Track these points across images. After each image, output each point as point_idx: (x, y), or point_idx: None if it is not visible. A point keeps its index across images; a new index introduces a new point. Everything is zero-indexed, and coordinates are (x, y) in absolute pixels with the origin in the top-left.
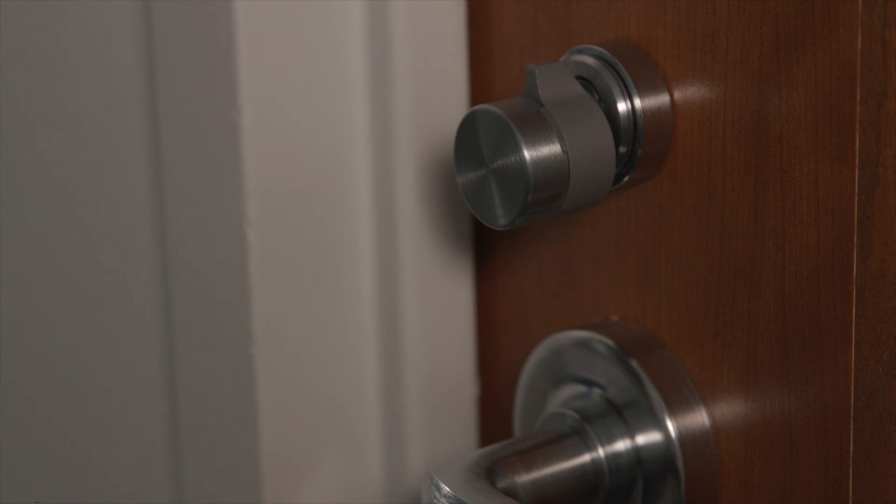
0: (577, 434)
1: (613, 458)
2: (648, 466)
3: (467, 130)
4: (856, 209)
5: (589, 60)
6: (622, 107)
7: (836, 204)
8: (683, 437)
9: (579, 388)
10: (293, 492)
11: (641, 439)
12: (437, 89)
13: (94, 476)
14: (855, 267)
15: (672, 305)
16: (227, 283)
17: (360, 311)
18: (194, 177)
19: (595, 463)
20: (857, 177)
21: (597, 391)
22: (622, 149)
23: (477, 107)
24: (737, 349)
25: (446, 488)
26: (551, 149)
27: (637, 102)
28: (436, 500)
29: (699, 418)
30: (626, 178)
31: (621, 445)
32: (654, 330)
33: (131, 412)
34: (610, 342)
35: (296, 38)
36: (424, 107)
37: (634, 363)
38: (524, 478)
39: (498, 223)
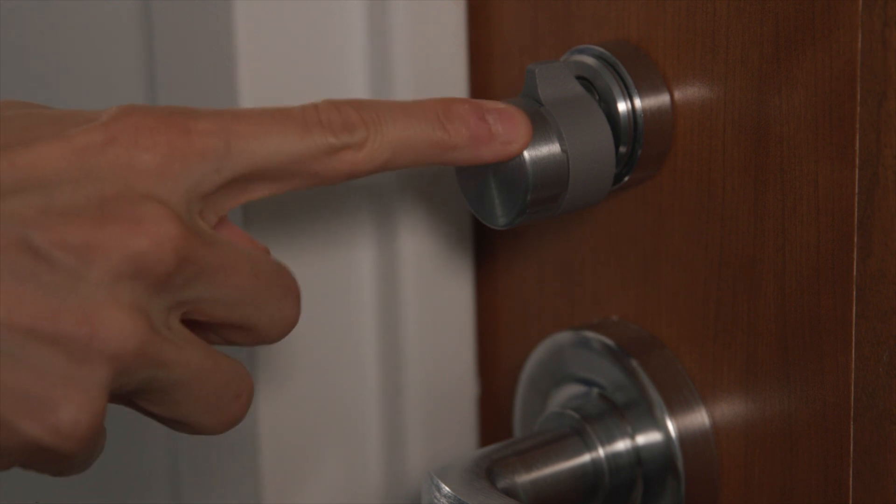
0: (577, 434)
1: (613, 458)
2: (648, 466)
3: None
4: (856, 209)
5: (589, 60)
6: (622, 107)
7: (836, 204)
8: (683, 437)
9: (579, 388)
10: (293, 492)
11: (641, 439)
12: (437, 89)
13: (94, 476)
14: (855, 267)
15: (672, 305)
16: None
17: (361, 311)
18: None
19: (595, 463)
20: (857, 177)
21: (597, 391)
22: (622, 149)
23: None
24: (737, 349)
25: (446, 488)
26: (551, 149)
27: (637, 102)
28: (436, 500)
29: (699, 418)
30: (626, 178)
31: (621, 445)
32: (654, 330)
33: (131, 412)
34: (610, 342)
35: (296, 39)
36: None
37: (634, 363)
38: (524, 478)
39: (498, 223)
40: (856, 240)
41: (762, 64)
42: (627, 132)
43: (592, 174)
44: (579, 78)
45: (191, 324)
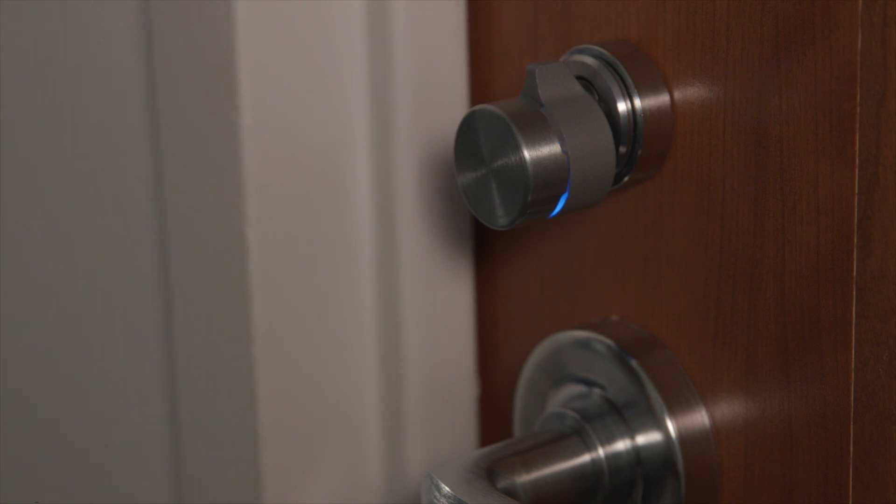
0: (577, 434)
1: (613, 458)
2: (648, 466)
3: (467, 130)
4: (856, 209)
5: (589, 60)
6: (622, 107)
7: (836, 204)
8: (683, 437)
9: (579, 388)
10: (293, 492)
11: (641, 439)
12: (438, 89)
13: (94, 476)
14: (855, 267)
15: (672, 305)
16: (227, 283)
17: (360, 311)
18: (194, 177)
19: (595, 463)
20: (857, 177)
21: (597, 391)
22: (622, 149)
23: (477, 107)
24: (737, 349)
25: (446, 488)
26: (551, 149)
27: (637, 102)
28: (436, 500)
29: (699, 418)
30: (626, 178)
31: (621, 445)
32: (654, 330)
33: (131, 412)
34: (610, 342)
35: (296, 38)
36: (424, 107)
37: (634, 363)
38: (524, 478)
39: (498, 223)
40: (856, 240)
41: (762, 64)
42: (627, 132)
43: (592, 174)
44: (579, 78)
45: None
